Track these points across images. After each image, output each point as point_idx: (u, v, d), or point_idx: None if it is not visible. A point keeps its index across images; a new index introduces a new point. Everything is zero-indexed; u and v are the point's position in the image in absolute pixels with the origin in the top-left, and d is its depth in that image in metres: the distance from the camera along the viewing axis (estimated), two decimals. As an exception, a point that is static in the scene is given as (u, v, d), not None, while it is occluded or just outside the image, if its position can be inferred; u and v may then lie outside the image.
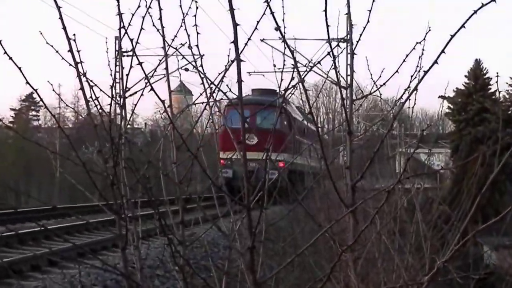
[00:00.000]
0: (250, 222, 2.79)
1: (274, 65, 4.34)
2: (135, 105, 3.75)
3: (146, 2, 3.39)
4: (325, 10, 3.00)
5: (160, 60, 3.80)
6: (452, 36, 2.82)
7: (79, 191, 3.78)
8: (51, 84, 3.50)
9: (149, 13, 3.40)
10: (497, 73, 4.76)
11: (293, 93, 3.49)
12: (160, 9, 3.44)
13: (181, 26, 3.48)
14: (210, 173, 3.28)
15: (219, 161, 4.71)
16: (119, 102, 3.52)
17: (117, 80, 3.53)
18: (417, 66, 3.41)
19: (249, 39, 2.83)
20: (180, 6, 3.50)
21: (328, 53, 3.20)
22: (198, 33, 3.34)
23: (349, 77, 3.56)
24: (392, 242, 7.58)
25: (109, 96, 3.45)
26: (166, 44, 3.65)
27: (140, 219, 3.77)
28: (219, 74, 3.35)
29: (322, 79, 4.43)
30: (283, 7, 3.14)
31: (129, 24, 3.32)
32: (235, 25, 2.63)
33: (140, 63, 3.21)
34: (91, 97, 3.27)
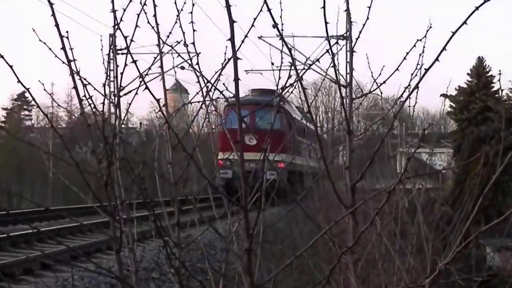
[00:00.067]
0: (247, 223, 2.79)
1: (272, 63, 4.34)
2: (130, 104, 3.76)
3: (141, -1, 3.39)
4: (324, 7, 3.01)
5: (155, 58, 3.80)
6: (454, 33, 2.82)
7: (73, 192, 3.78)
8: (43, 84, 3.50)
9: (143, 10, 3.41)
10: (500, 70, 4.76)
11: (291, 92, 3.49)
12: (155, 6, 3.45)
13: (176, 23, 3.49)
14: (206, 174, 3.29)
15: (217, 162, 4.72)
16: (113, 101, 3.52)
17: (111, 79, 3.53)
18: (418, 64, 3.41)
19: (246, 36, 2.84)
20: (175, 2, 3.50)
21: (327, 51, 3.20)
22: (194, 30, 3.34)
23: (348, 75, 3.57)
24: (393, 243, 7.59)
25: (103, 95, 3.45)
26: (161, 42, 3.65)
27: (135, 221, 3.77)
28: (216, 72, 3.35)
29: (321, 78, 4.44)
30: (280, 3, 3.14)
31: (121, 20, 3.32)
32: (231, 22, 2.63)
33: (134, 61, 3.21)
34: (84, 96, 3.27)
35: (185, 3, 3.46)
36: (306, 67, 3.53)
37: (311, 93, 37.02)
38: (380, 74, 3.70)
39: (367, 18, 3.33)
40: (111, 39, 3.45)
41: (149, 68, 3.75)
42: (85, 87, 3.25)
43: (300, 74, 3.11)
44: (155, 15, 3.48)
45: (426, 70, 3.02)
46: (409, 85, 3.37)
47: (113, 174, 3.30)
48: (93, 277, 10.90)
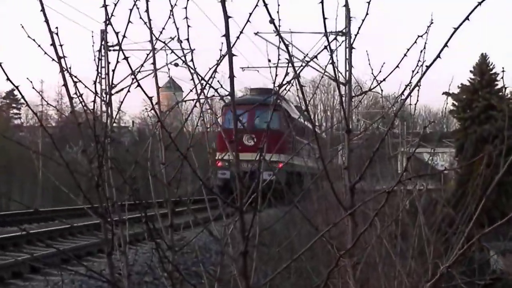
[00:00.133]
0: (243, 225, 2.79)
1: (269, 60, 4.34)
2: (122, 102, 3.76)
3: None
4: (322, 2, 3.01)
5: (148, 55, 3.80)
6: (456, 29, 2.83)
7: (63, 193, 3.78)
8: (31, 82, 3.50)
9: (136, 5, 3.40)
10: (503, 68, 4.77)
11: (288, 90, 3.49)
12: (147, 1, 3.44)
13: (170, 18, 3.48)
14: (201, 174, 3.28)
15: (214, 162, 4.72)
16: (104, 99, 3.52)
17: (103, 76, 3.52)
18: (419, 61, 3.42)
19: (241, 32, 2.84)
20: (169, -3, 3.50)
21: (325, 47, 3.20)
22: (188, 26, 3.33)
23: (347, 73, 3.57)
24: (393, 246, 7.60)
25: (94, 93, 3.44)
26: (154, 38, 3.64)
27: (127, 223, 3.77)
28: (210, 69, 3.35)
29: (319, 75, 4.44)
30: (277, -2, 3.15)
31: (112, 15, 3.31)
32: (226, 17, 2.63)
33: (126, 58, 3.21)
34: (75, 93, 3.26)
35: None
36: (304, 64, 3.53)
37: (309, 91, 37.02)
38: (380, 71, 3.69)
39: (367, 14, 3.33)
40: (102, 35, 3.45)
41: (142, 65, 3.74)
42: (75, 85, 3.25)
43: (298, 71, 3.11)
44: (147, 10, 3.48)
45: (428, 67, 3.02)
46: (410, 82, 3.37)
47: (105, 175, 3.30)
48: (84, 280, 10.90)
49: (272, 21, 2.83)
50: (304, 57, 3.76)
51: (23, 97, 3.32)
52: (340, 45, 3.85)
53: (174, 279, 3.36)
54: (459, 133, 52.09)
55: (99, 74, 3.49)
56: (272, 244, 9.91)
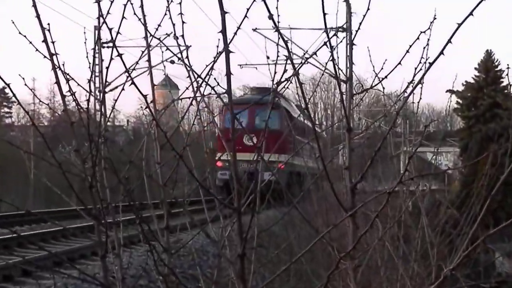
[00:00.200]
0: (240, 227, 2.80)
1: (268, 57, 4.34)
2: (116, 100, 3.75)
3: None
4: (322, -3, 3.01)
5: (143, 52, 3.80)
6: (460, 25, 2.83)
7: (55, 194, 3.78)
8: (23, 78, 3.50)
9: (130, 0, 3.40)
10: (508, 65, 4.78)
11: (287, 87, 3.49)
12: (142, -5, 3.44)
13: (166, 14, 3.48)
14: (198, 174, 3.29)
15: (212, 162, 4.72)
16: (98, 97, 3.52)
17: (96, 74, 3.52)
18: (422, 58, 3.42)
19: (238, 28, 2.84)
20: (164, -8, 3.50)
21: (325, 43, 3.20)
22: (183, 22, 3.33)
23: (348, 70, 3.57)
24: (395, 248, 7.61)
25: (87, 91, 3.44)
26: (149, 35, 3.64)
27: (122, 225, 3.77)
28: (206, 66, 3.35)
29: (319, 72, 4.45)
30: (276, -7, 3.15)
31: (108, 13, 3.32)
32: (223, 12, 2.63)
33: (120, 55, 3.20)
34: (68, 91, 3.26)
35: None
36: (303, 61, 3.53)
37: (309, 88, 37.07)
38: (382, 68, 3.69)
39: (368, 9, 3.33)
40: (95, 31, 3.45)
41: (137, 63, 3.75)
42: (68, 83, 3.25)
43: (297, 68, 3.11)
44: (142, 6, 3.48)
45: (431, 64, 3.02)
46: (412, 80, 3.37)
47: (98, 175, 3.30)
48: (77, 284, 10.88)
49: (271, 16, 2.83)
50: (304, 53, 3.77)
51: (14, 95, 3.32)
52: (341, 42, 3.86)
53: (170, 283, 3.36)
54: (463, 132, 52.15)
55: (93, 72, 3.49)
56: (271, 246, 9.92)
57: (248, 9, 2.83)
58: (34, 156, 42.49)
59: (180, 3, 3.34)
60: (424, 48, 3.45)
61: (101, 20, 3.27)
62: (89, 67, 3.50)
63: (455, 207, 10.14)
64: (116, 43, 3.27)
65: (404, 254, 7.70)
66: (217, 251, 3.70)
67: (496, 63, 52.25)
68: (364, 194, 7.92)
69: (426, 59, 3.33)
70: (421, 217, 7.96)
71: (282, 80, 3.19)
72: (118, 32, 3.36)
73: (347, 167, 3.34)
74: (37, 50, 3.16)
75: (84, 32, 3.79)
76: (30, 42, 3.21)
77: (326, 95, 76.19)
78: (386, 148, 10.24)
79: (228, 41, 2.69)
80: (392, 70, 3.50)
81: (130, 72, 3.37)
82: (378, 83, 3.71)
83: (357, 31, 3.43)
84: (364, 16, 3.34)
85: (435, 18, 3.46)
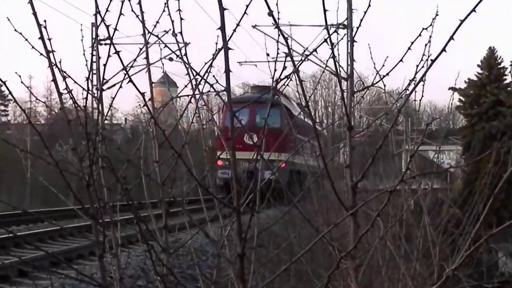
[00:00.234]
0: (240, 226, 2.80)
1: (268, 54, 4.35)
2: (113, 98, 3.75)
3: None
4: (322, -7, 3.01)
5: (141, 49, 3.80)
6: (462, 21, 2.83)
7: (52, 193, 3.78)
8: (20, 76, 3.49)
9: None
10: (511, 62, 4.77)
11: (287, 85, 3.49)
12: (140, -8, 3.44)
13: (164, 11, 3.48)
14: (196, 173, 3.29)
15: (210, 161, 4.72)
16: (95, 95, 3.52)
17: (94, 71, 3.52)
18: (424, 55, 3.42)
19: (238, 24, 2.84)
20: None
21: (325, 40, 3.20)
22: (181, 18, 3.33)
23: (349, 67, 3.57)
24: (397, 248, 7.61)
25: (84, 89, 3.44)
26: (147, 31, 3.64)
27: (119, 224, 3.77)
28: (205, 63, 3.35)
29: (320, 70, 4.45)
30: (276, -11, 3.14)
31: (107, 10, 3.31)
32: (222, 9, 2.63)
33: (117, 52, 3.20)
34: (65, 89, 3.26)
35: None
36: (303, 58, 3.53)
37: (309, 86, 37.09)
38: (383, 65, 3.69)
39: (369, 5, 3.33)
40: (93, 28, 3.45)
41: (135, 60, 3.74)
42: (65, 80, 3.25)
43: (297, 65, 3.11)
44: (140, 3, 3.48)
45: (433, 61, 3.02)
46: (414, 77, 3.37)
47: (96, 174, 3.30)
48: (74, 284, 10.88)
49: (270, 13, 2.83)
50: (304, 50, 3.76)
51: (10, 93, 3.32)
52: (342, 39, 3.86)
53: (168, 283, 3.36)
54: (466, 130, 52.17)
55: (91, 70, 3.49)
56: (271, 246, 9.93)
57: (247, 6, 2.84)
58: (31, 154, 42.42)
59: (178, 0, 3.34)
60: (426, 45, 3.45)
61: (99, 17, 3.27)
62: (86, 65, 3.50)
63: (458, 206, 10.14)
64: (113, 40, 3.27)
65: (406, 254, 7.70)
66: (216, 251, 3.71)
67: (499, 60, 52.24)
68: (365, 192, 7.91)
69: (428, 56, 3.34)
70: (423, 216, 7.97)
71: (282, 77, 3.20)
72: (115, 29, 3.36)
73: (348, 165, 3.35)
74: (33, 47, 3.16)
75: (81, 30, 3.79)
76: (26, 40, 3.20)
77: (327, 93, 76.24)
78: (388, 146, 10.27)
79: (227, 38, 2.69)
80: (393, 68, 3.50)
81: (128, 70, 3.37)
82: (379, 80, 3.71)
83: (358, 27, 3.43)
84: (365, 12, 3.34)
85: (437, 15, 3.46)
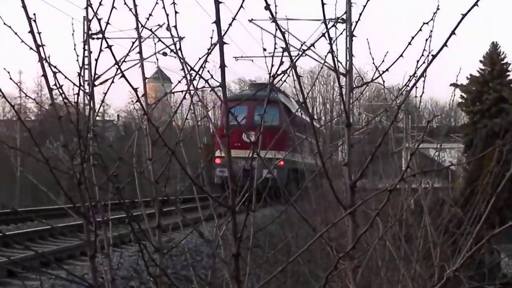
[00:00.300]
0: (235, 226, 2.80)
1: (264, 49, 4.34)
2: (105, 94, 3.75)
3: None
4: (320, -14, 3.01)
5: (133, 43, 3.79)
6: (464, 15, 2.83)
7: (42, 192, 3.78)
8: (8, 72, 3.49)
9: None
10: (515, 57, 4.78)
11: (284, 80, 3.49)
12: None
13: (157, 3, 3.48)
14: (191, 171, 3.29)
15: (206, 159, 4.73)
16: (87, 90, 3.52)
17: (85, 66, 3.52)
18: (425, 50, 3.42)
19: (233, 18, 2.84)
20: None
21: (323, 34, 3.19)
22: (176, 12, 3.33)
23: (348, 62, 3.57)
24: (397, 248, 7.61)
25: (75, 84, 3.44)
26: (140, 25, 3.64)
27: (111, 224, 3.77)
28: (199, 58, 3.34)
29: (318, 65, 4.45)
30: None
31: (100, 4, 3.31)
32: (217, 2, 2.63)
33: (109, 47, 3.20)
34: (54, 84, 3.26)
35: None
36: (301, 53, 3.53)
37: (307, 82, 37.10)
38: (383, 61, 3.69)
39: (368, -1, 3.33)
40: (84, 22, 3.44)
41: (127, 55, 3.74)
42: (55, 75, 3.24)
43: (294, 60, 3.11)
44: (133, -5, 3.48)
45: (434, 56, 3.02)
46: (415, 73, 3.37)
47: (87, 172, 3.30)
48: (65, 285, 10.88)
49: (267, 7, 2.83)
50: (302, 45, 3.76)
51: (-1, 88, 3.31)
52: (341, 34, 3.86)
53: (162, 284, 3.36)
54: (468, 128, 52.21)
55: (83, 64, 3.48)
56: (267, 246, 9.93)
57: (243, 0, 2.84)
58: (21, 152, 42.46)
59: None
60: (426, 40, 3.45)
61: (90, 10, 3.27)
62: (77, 60, 3.49)
63: (459, 206, 10.16)
64: (106, 34, 3.26)
65: (406, 254, 7.71)
66: (211, 251, 3.71)
67: (502, 56, 52.30)
68: (364, 191, 7.91)
69: (429, 52, 3.34)
70: (424, 216, 7.97)
71: (279, 73, 3.19)
72: (107, 23, 3.36)
73: (346, 163, 3.35)
74: (22, 41, 3.16)
75: (72, 24, 3.78)
76: (16, 33, 3.20)
77: (325, 89, 76.35)
78: (387, 144, 10.27)
79: (223, 32, 2.69)
80: (393, 63, 3.50)
81: (120, 65, 3.37)
82: (379, 76, 3.71)
83: (357, 22, 3.43)
84: (364, 6, 3.34)
85: (438, 9, 3.46)
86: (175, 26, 3.40)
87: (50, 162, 3.16)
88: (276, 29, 3.09)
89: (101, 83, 3.62)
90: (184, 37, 3.43)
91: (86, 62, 3.49)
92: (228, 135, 2.78)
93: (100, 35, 3.26)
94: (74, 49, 3.53)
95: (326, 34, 3.16)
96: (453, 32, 2.87)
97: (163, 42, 3.57)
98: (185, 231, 4.77)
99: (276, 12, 2.99)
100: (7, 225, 21.18)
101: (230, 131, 2.79)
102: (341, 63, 3.53)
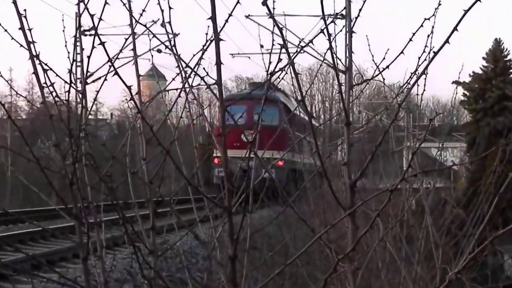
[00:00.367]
0: (231, 227, 2.80)
1: (261, 46, 4.34)
2: (98, 92, 3.75)
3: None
4: (319, -19, 3.00)
5: (127, 40, 3.79)
6: (466, 11, 2.83)
7: (34, 192, 3.78)
8: (-1, 71, 3.49)
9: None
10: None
11: (282, 78, 3.49)
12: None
13: (152, -1, 3.48)
14: (186, 171, 3.28)
15: (201, 158, 4.73)
16: (79, 88, 3.51)
17: (77, 64, 3.51)
18: (426, 46, 3.42)
19: (230, 14, 2.84)
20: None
21: (322, 31, 3.19)
22: (170, 7, 3.33)
23: (347, 59, 3.57)
24: (397, 250, 7.62)
25: (66, 82, 3.43)
26: (134, 21, 3.63)
27: (104, 225, 3.77)
28: (194, 55, 3.34)
29: (317, 62, 4.45)
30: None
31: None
32: (213, -2, 2.63)
33: (102, 43, 3.19)
34: (45, 82, 3.25)
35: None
36: (299, 50, 3.53)
37: (306, 80, 37.12)
38: (383, 58, 3.69)
39: (369, -6, 3.33)
40: (76, 18, 3.44)
41: (121, 51, 3.74)
42: (46, 73, 3.24)
43: (292, 57, 3.11)
44: (126, -10, 3.47)
45: (435, 53, 3.02)
46: (416, 70, 3.37)
47: (79, 172, 3.29)
48: (57, 289, 10.88)
49: (265, 2, 2.83)
50: (300, 42, 3.76)
51: (-11, 86, 3.31)
52: (340, 31, 3.85)
53: (156, 287, 3.36)
54: (470, 126, 52.24)
55: (75, 61, 3.48)
56: (264, 247, 9.93)
57: (240, -5, 2.83)
58: (11, 151, 42.40)
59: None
60: (428, 36, 3.45)
61: (82, 5, 3.26)
62: (68, 57, 3.48)
63: (462, 206, 10.17)
64: (98, 31, 3.26)
65: (407, 256, 7.71)
66: (206, 253, 3.71)
67: (506, 53, 52.30)
68: (364, 192, 7.93)
69: (431, 48, 3.34)
70: (425, 217, 7.98)
71: (277, 70, 3.19)
72: (100, 19, 3.35)
73: (345, 163, 3.35)
74: (12, 38, 3.15)
75: (63, 20, 3.77)
76: (6, 30, 3.20)
77: (324, 87, 76.36)
78: (388, 143, 10.26)
79: (219, 28, 2.69)
80: (394, 60, 3.50)
81: (113, 62, 3.36)
82: (379, 73, 3.70)
83: (356, 18, 3.43)
84: (364, 1, 3.34)
85: (440, 4, 3.46)
86: (170, 22, 3.40)
87: (42, 162, 3.15)
88: (274, 25, 3.10)
89: (93, 81, 3.61)
90: (179, 34, 3.43)
91: (78, 59, 3.48)
92: (224, 134, 2.78)
93: (93, 32, 3.25)
94: (65, 46, 3.52)
95: (325, 31, 3.16)
96: (455, 29, 2.87)
97: (158, 38, 3.57)
98: (180, 232, 4.77)
99: (273, 8, 2.99)
100: (-3, 226, 21.17)
101: (227, 130, 2.79)
102: (340, 60, 3.53)
